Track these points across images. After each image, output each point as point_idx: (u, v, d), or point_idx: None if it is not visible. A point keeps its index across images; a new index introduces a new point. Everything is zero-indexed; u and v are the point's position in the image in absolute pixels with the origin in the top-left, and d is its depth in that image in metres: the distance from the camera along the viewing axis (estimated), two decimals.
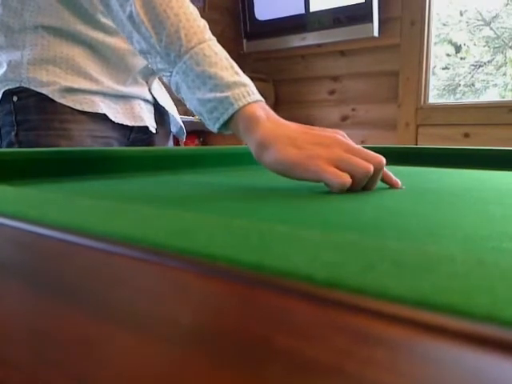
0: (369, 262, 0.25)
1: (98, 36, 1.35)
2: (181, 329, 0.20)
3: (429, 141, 3.64)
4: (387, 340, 0.18)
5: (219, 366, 0.17)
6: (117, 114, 1.42)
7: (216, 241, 0.30)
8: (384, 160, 0.85)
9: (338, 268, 0.25)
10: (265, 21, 4.33)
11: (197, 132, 3.88)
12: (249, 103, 0.91)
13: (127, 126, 1.45)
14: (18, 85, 1.31)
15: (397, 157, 1.54)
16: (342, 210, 0.66)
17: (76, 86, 1.32)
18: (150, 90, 1.55)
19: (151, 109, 1.57)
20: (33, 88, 1.31)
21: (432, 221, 0.59)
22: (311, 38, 4.09)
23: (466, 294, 0.21)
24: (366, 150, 0.86)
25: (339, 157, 0.81)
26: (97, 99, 1.37)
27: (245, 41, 4.44)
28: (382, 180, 0.87)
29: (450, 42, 3.86)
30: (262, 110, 0.92)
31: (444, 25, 3.83)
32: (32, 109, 1.33)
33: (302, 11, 4.06)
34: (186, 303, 0.23)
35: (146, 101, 1.54)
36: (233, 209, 0.67)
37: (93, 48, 1.36)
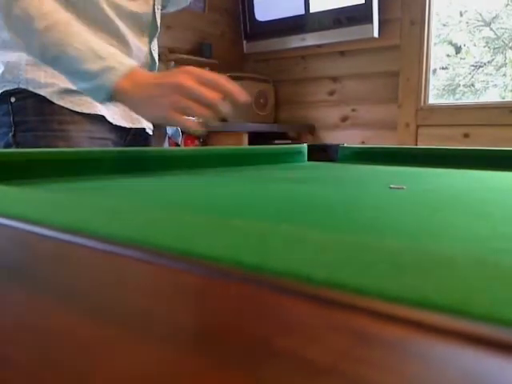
0: (367, 263, 0.25)
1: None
2: (181, 330, 0.20)
3: (429, 141, 3.64)
4: (385, 340, 0.19)
5: (219, 366, 0.17)
6: (115, 115, 1.41)
7: (216, 242, 0.31)
8: (224, 81, 1.14)
9: (336, 268, 0.25)
10: (265, 22, 4.32)
11: None
12: (115, 82, 1.13)
13: (125, 127, 1.44)
14: (15, 86, 1.31)
15: (397, 157, 1.54)
16: (340, 211, 0.66)
17: (74, 87, 1.32)
18: None
19: None
20: (31, 89, 1.31)
21: (431, 221, 0.59)
22: (311, 39, 4.09)
23: (465, 294, 0.21)
24: (207, 78, 1.13)
25: (180, 105, 1.08)
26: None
27: (245, 42, 4.43)
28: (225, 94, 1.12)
29: (450, 42, 3.86)
30: (125, 81, 1.14)
31: (444, 25, 3.82)
32: (30, 110, 1.33)
33: (302, 12, 4.06)
34: (186, 304, 0.23)
35: None
36: (233, 208, 0.67)
37: None
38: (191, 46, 4.21)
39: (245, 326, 0.20)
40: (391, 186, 0.89)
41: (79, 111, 1.34)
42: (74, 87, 1.32)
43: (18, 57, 1.32)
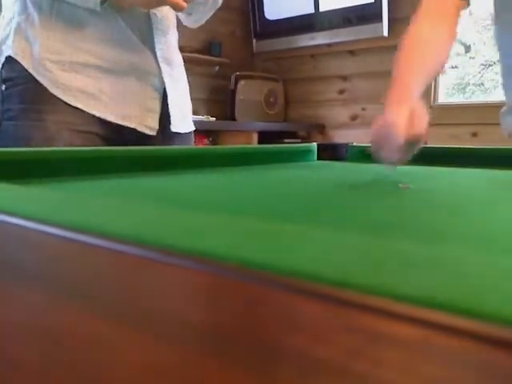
0: (378, 262, 0.26)
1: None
2: (192, 329, 0.20)
3: (437, 140, 3.62)
4: (396, 339, 0.19)
5: (230, 365, 0.17)
6: (104, 107, 1.37)
7: (226, 241, 0.31)
8: None
9: (347, 267, 0.25)
10: (274, 20, 4.32)
11: (206, 132, 3.88)
12: None
13: (117, 124, 1.40)
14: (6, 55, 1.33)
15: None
16: (350, 210, 0.66)
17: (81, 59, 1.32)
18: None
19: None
20: (19, 60, 1.31)
21: (441, 220, 0.59)
22: (321, 38, 4.08)
23: (475, 294, 0.21)
24: None
25: None
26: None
27: (254, 40, 4.43)
28: None
29: (460, 41, 3.84)
30: None
31: None
32: (14, 98, 1.33)
33: (312, 11, 4.06)
34: (197, 303, 0.23)
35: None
36: (242, 207, 0.67)
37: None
38: (201, 44, 4.21)
39: (256, 325, 0.20)
40: (400, 184, 0.88)
41: (62, 99, 1.32)
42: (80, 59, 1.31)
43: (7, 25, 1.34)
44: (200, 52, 4.14)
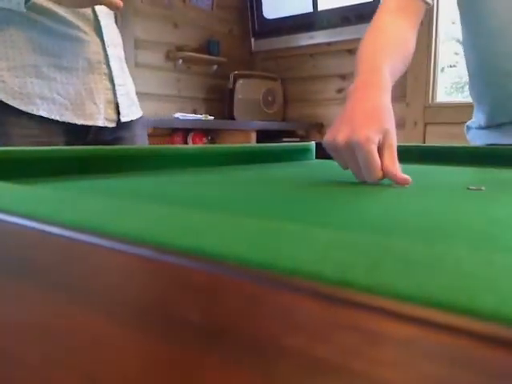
0: (377, 261, 0.26)
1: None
2: (190, 328, 0.20)
3: (437, 139, 3.63)
4: (395, 339, 0.19)
5: (229, 364, 0.17)
6: (64, 110, 1.34)
7: (225, 240, 0.31)
8: None
9: (346, 266, 0.25)
10: (273, 19, 4.33)
11: (205, 130, 3.89)
12: None
13: (81, 126, 1.36)
14: None
15: (405, 155, 1.53)
16: (348, 208, 0.66)
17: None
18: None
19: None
20: None
21: (440, 219, 0.59)
22: (319, 37, 4.09)
23: (473, 293, 0.21)
24: None
25: None
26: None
27: (253, 39, 4.44)
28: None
29: (458, 40, 3.84)
30: None
31: (452, 23, 3.81)
32: None
33: (310, 10, 4.06)
34: (195, 303, 0.23)
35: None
36: (240, 206, 0.67)
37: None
38: (199, 43, 4.21)
39: (254, 324, 0.20)
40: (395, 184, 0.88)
41: (24, 110, 1.27)
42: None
43: None
44: (198, 51, 4.14)
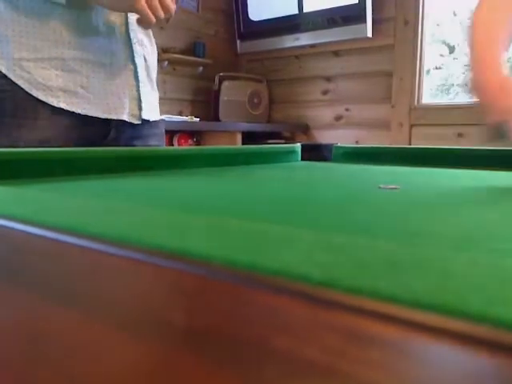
0: (362, 262, 0.26)
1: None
2: (175, 330, 0.20)
3: (422, 141, 3.65)
4: (381, 339, 0.19)
5: (216, 366, 0.17)
6: (86, 104, 1.32)
7: (210, 241, 0.31)
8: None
9: (331, 268, 0.25)
10: (258, 21, 4.32)
11: (190, 132, 3.88)
12: None
13: (104, 120, 1.35)
14: None
15: (390, 157, 1.54)
16: (333, 211, 0.66)
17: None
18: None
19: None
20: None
21: (426, 221, 0.59)
22: (305, 39, 4.09)
23: (459, 294, 0.21)
24: None
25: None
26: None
27: (238, 41, 4.43)
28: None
29: (444, 42, 3.86)
30: None
31: (438, 25, 3.83)
32: None
33: (296, 12, 4.06)
34: (181, 304, 0.23)
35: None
36: (226, 208, 0.67)
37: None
38: (185, 45, 4.20)
39: (240, 325, 0.20)
40: (381, 185, 0.89)
41: (45, 101, 1.26)
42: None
43: None
44: (184, 53, 4.13)
